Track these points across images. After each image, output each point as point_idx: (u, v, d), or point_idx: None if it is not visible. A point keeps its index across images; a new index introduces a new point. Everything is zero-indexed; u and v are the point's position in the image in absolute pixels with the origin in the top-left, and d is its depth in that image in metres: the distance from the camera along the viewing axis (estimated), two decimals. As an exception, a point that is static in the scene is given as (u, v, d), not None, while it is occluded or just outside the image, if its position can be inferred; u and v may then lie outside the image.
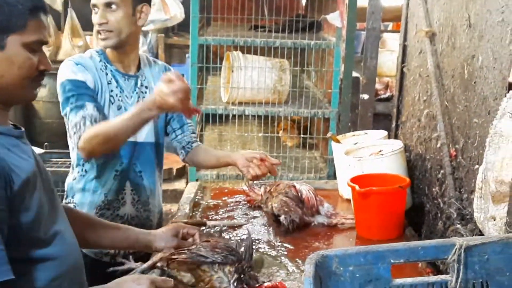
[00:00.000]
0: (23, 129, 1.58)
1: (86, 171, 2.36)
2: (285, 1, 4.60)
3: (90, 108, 2.22)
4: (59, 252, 1.53)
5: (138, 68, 2.44)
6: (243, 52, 3.85)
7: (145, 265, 1.96)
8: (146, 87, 2.45)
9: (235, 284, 1.83)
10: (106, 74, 2.34)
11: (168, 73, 2.06)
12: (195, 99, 3.72)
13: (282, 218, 2.38)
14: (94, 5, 2.30)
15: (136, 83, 2.41)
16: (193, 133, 2.58)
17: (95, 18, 2.30)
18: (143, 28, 5.63)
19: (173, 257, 1.93)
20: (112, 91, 2.33)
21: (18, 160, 1.46)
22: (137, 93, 2.41)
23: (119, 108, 2.34)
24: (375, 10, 3.20)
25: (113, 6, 2.27)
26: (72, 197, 2.38)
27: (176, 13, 5.57)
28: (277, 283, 1.85)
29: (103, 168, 2.36)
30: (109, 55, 2.37)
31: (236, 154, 2.45)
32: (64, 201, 2.40)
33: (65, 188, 2.42)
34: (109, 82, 2.34)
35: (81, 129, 2.19)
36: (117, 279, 1.61)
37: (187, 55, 5.58)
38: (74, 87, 2.24)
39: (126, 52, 2.38)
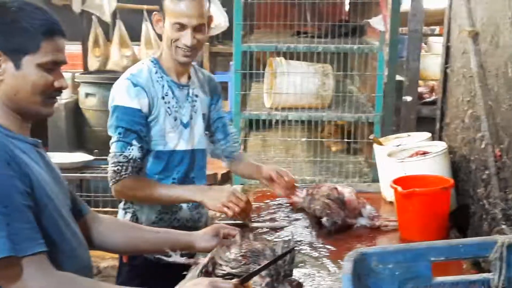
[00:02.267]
0: (39, 140, 1.70)
1: None
2: (328, 7, 4.61)
3: (135, 149, 2.28)
4: (63, 254, 1.63)
5: (189, 76, 2.48)
6: (286, 58, 3.88)
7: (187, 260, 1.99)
8: (196, 96, 2.48)
9: None
10: (163, 86, 2.36)
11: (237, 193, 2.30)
12: (238, 105, 3.76)
13: (324, 220, 2.38)
14: (182, 25, 2.27)
15: (188, 93, 2.45)
16: (236, 142, 2.69)
17: (186, 39, 2.27)
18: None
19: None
20: (169, 102, 2.36)
21: (32, 163, 1.59)
22: (189, 102, 2.44)
23: (175, 119, 2.38)
24: (417, 13, 3.18)
25: (202, 28, 2.31)
26: (131, 203, 2.43)
27: (221, 21, 5.63)
28: None
29: (162, 178, 2.41)
30: (165, 65, 2.39)
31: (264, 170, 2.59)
32: (122, 206, 2.46)
33: None
34: (166, 94, 2.36)
35: (122, 171, 2.26)
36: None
37: (230, 62, 5.65)
38: (127, 117, 2.27)
39: (187, 64, 2.42)
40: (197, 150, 2.48)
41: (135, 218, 2.44)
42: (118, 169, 2.27)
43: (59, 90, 1.65)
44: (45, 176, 1.63)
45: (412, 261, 1.46)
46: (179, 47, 2.31)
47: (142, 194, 2.34)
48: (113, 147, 2.30)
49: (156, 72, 2.37)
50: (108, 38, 6.37)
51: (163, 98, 2.35)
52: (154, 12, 2.37)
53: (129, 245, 1.99)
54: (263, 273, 1.84)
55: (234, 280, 1.70)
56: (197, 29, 2.29)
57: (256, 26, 4.52)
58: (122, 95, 2.30)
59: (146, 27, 6.02)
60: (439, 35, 6.87)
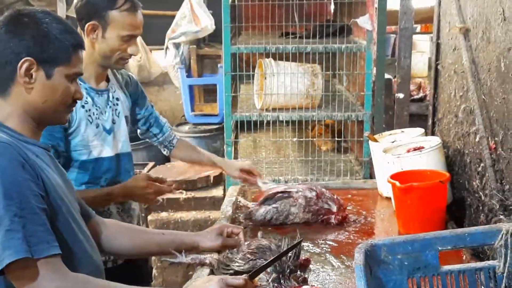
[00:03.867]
0: (49, 144, 1.79)
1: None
2: (314, 7, 4.65)
3: None
4: (76, 256, 1.66)
5: (107, 80, 2.44)
6: (274, 59, 3.91)
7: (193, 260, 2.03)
8: (117, 99, 2.45)
9: (274, 284, 1.86)
10: None
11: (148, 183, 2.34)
12: (229, 107, 3.78)
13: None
14: (132, 36, 2.29)
15: (108, 97, 2.40)
16: (170, 130, 2.78)
17: (134, 49, 2.30)
18: (176, 40, 5.78)
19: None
20: (89, 110, 2.31)
21: (45, 166, 1.63)
22: (110, 107, 2.40)
23: (97, 126, 2.33)
24: (407, 11, 3.24)
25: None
26: None
27: (207, 24, 5.64)
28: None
29: (90, 185, 2.36)
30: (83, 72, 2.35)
31: (229, 164, 2.81)
32: None
33: None
34: (86, 102, 2.30)
35: None
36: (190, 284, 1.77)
37: (219, 65, 5.67)
38: (44, 132, 2.07)
39: (106, 69, 2.41)
40: (122, 155, 2.45)
41: None
42: None
43: (75, 101, 1.73)
44: (58, 179, 1.66)
45: (420, 251, 1.50)
46: (124, 58, 2.32)
47: None
48: None
49: None
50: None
51: (83, 107, 2.29)
52: (91, 23, 2.26)
53: (136, 248, 2.01)
54: (269, 269, 1.87)
55: (244, 276, 1.73)
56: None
57: (244, 27, 4.54)
58: None
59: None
60: (422, 32, 6.98)
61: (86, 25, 2.26)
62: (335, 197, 2.57)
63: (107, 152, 2.37)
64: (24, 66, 1.59)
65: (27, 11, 1.66)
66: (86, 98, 2.30)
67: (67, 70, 1.66)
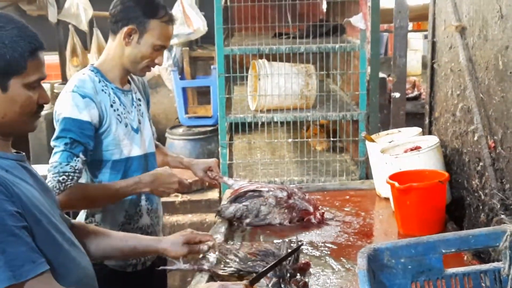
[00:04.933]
0: (23, 153, 1.65)
1: None
2: (307, 7, 4.63)
3: (80, 162, 2.20)
4: (64, 267, 1.58)
5: (128, 82, 2.46)
6: (268, 60, 3.88)
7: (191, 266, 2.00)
8: (139, 100, 2.48)
9: None
10: (109, 94, 2.31)
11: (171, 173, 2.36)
12: (223, 108, 3.76)
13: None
14: (163, 47, 2.33)
15: (132, 98, 2.43)
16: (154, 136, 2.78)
17: (161, 60, 2.35)
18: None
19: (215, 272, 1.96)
20: (117, 110, 2.32)
21: (18, 181, 1.53)
22: (135, 107, 2.42)
23: (126, 125, 2.35)
24: (402, 9, 3.22)
25: None
26: (93, 216, 2.37)
27: (199, 26, 5.62)
28: None
29: None
30: (108, 73, 2.35)
31: (194, 163, 2.75)
32: (84, 221, 2.37)
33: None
34: (114, 102, 2.32)
35: (68, 181, 2.17)
36: None
37: (212, 66, 5.64)
38: (75, 128, 2.19)
39: (129, 74, 2.43)
40: (150, 154, 2.47)
41: None
42: (63, 179, 2.16)
43: (41, 106, 1.60)
44: (34, 191, 1.57)
45: (423, 254, 1.48)
46: (149, 66, 2.35)
47: (90, 199, 2.27)
48: (57, 157, 2.19)
49: (100, 81, 2.31)
50: (85, 47, 6.32)
51: (111, 106, 2.30)
52: (129, 27, 2.28)
53: (98, 253, 1.92)
54: (269, 274, 1.85)
55: (244, 282, 1.70)
56: None
57: (236, 29, 4.51)
58: (70, 108, 2.21)
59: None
60: (414, 30, 6.97)
61: (124, 28, 2.29)
62: (307, 197, 2.61)
63: (136, 151, 2.39)
64: None
65: None
66: (114, 97, 2.33)
67: (25, 79, 1.51)
